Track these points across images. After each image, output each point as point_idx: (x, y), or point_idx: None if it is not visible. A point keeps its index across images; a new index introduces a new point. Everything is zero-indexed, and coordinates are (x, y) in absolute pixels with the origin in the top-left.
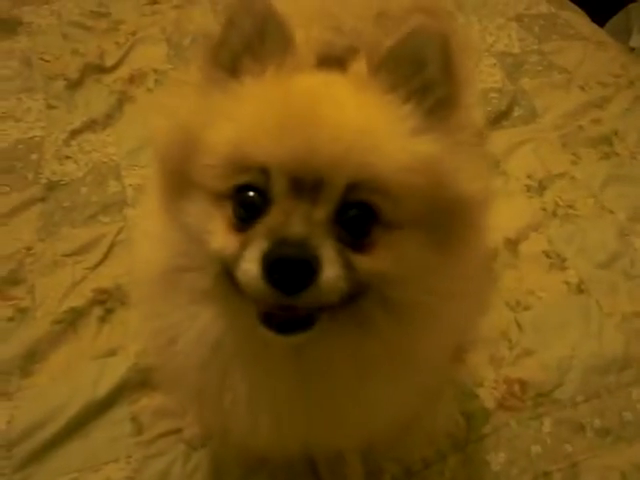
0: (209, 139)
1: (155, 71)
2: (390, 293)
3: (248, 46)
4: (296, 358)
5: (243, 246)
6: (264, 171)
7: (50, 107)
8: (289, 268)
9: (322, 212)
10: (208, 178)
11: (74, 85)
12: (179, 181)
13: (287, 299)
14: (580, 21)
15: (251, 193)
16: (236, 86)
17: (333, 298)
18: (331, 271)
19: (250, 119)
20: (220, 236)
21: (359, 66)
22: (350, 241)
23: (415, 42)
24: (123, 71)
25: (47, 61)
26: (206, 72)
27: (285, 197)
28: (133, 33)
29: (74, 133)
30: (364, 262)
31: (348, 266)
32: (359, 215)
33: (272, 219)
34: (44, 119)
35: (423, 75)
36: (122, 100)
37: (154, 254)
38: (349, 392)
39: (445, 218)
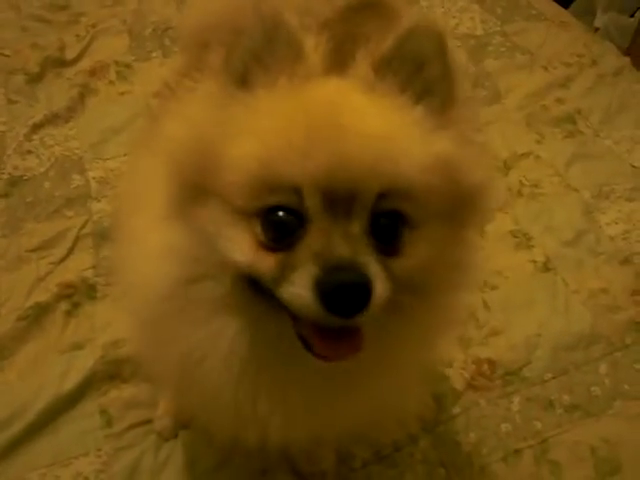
0: (231, 154)
1: (117, 63)
2: (416, 281)
3: (257, 54)
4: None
5: (285, 268)
6: (296, 190)
7: (11, 102)
8: (348, 294)
9: (357, 226)
10: (232, 195)
11: (35, 79)
12: (194, 190)
13: (343, 321)
14: (542, 2)
15: (282, 213)
16: (252, 99)
17: (379, 309)
18: (380, 287)
19: (274, 135)
20: (247, 250)
21: (363, 69)
22: (383, 248)
23: (414, 41)
24: (84, 64)
25: (7, 56)
26: (220, 82)
27: (319, 215)
28: (94, 25)
29: (36, 127)
30: (397, 265)
31: (387, 274)
32: (390, 223)
33: (313, 241)
34: (5, 114)
35: (424, 74)
36: (84, 93)
37: (162, 268)
38: (374, 382)
39: (459, 208)
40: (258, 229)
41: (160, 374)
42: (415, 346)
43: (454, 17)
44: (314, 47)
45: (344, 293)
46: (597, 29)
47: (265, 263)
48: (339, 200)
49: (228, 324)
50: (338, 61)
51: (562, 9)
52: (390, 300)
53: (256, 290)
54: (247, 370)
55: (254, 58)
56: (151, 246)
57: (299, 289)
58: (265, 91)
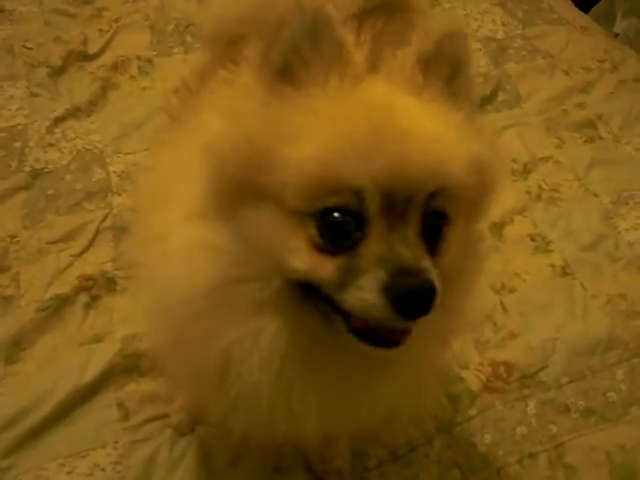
0: (289, 156)
1: (139, 58)
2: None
3: (298, 49)
4: (363, 362)
5: (348, 273)
6: (357, 192)
7: (33, 95)
8: (417, 299)
9: (413, 229)
10: (288, 196)
11: (57, 72)
12: (241, 190)
13: (408, 323)
14: (564, 6)
15: (338, 214)
16: (304, 99)
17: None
18: (439, 289)
19: (336, 138)
20: (304, 255)
21: (410, 72)
22: (429, 249)
23: (453, 45)
24: (107, 58)
25: (29, 49)
26: (263, 78)
27: (378, 217)
28: (116, 20)
29: (57, 121)
30: (439, 265)
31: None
32: (436, 223)
33: (375, 245)
34: (27, 107)
35: (458, 77)
36: (106, 87)
37: (205, 266)
38: (404, 378)
39: (479, 203)
40: (313, 231)
41: (180, 373)
42: (438, 340)
43: (476, 19)
44: (355, 45)
45: (414, 298)
46: (617, 34)
47: (325, 267)
48: (398, 202)
49: (270, 323)
50: (372, 60)
51: (583, 14)
52: None
53: (305, 292)
54: (286, 368)
55: (295, 52)
56: (181, 244)
57: (367, 294)
58: (318, 91)
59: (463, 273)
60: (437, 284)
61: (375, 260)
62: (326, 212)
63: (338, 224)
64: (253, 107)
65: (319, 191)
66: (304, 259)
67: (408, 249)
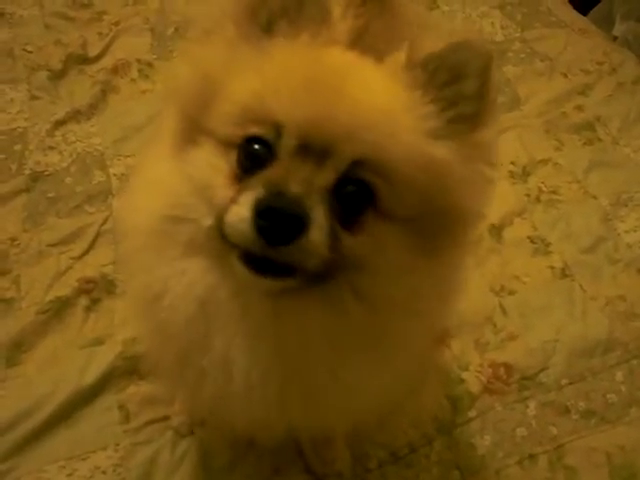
0: (231, 88)
1: (139, 61)
2: (361, 281)
3: (286, 9)
4: (275, 326)
5: (239, 193)
6: (277, 127)
7: (33, 98)
8: (278, 218)
9: (322, 179)
10: (221, 124)
11: (57, 76)
12: (191, 127)
13: (270, 250)
14: (562, 9)
15: (257, 146)
16: (268, 45)
17: (313, 262)
18: (317, 233)
19: (275, 75)
20: (223, 189)
21: (397, 57)
22: (341, 216)
23: (461, 55)
24: (107, 61)
25: (30, 52)
26: (241, 27)
27: (290, 157)
28: (116, 23)
29: (58, 124)
30: (348, 240)
31: (333, 237)
32: (356, 192)
33: (273, 172)
34: (27, 110)
35: (458, 87)
36: (106, 90)
37: (153, 202)
38: (321, 369)
39: (435, 224)
40: (234, 162)
41: (156, 351)
42: (409, 341)
43: (474, 23)
44: (341, 16)
45: (276, 216)
46: (616, 37)
47: (229, 193)
48: (313, 151)
49: (194, 265)
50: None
51: (582, 17)
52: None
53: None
54: (201, 313)
55: (283, 10)
56: (152, 180)
57: (240, 207)
58: (285, 41)
59: (400, 302)
60: (312, 222)
61: (264, 181)
62: (248, 141)
63: (255, 154)
64: (220, 51)
65: (246, 119)
66: (222, 193)
67: (302, 186)
